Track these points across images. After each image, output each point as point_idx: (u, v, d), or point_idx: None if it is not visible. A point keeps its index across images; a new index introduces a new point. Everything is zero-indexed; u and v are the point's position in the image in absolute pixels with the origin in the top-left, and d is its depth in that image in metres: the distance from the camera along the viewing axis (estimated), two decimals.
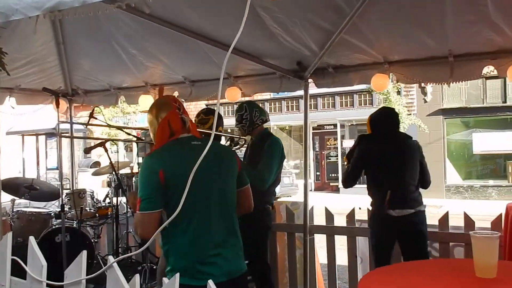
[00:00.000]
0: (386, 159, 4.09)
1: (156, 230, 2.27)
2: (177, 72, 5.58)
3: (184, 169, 2.20)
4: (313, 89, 5.18)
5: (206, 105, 22.65)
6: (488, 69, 4.21)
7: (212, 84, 5.56)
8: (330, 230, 4.89)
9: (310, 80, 4.97)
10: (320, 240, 5.21)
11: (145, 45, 5.06)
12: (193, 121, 2.68)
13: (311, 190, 20.39)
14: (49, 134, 21.27)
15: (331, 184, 21.52)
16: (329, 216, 4.93)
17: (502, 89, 17.36)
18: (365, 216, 4.85)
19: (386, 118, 4.29)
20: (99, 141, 4.61)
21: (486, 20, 3.56)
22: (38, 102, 6.54)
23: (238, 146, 4.51)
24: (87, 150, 4.39)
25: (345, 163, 4.42)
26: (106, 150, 4.73)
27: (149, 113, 2.61)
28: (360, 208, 15.49)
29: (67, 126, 6.76)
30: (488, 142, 17.60)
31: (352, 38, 4.17)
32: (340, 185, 20.66)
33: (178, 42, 4.83)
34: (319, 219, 5.10)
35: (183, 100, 6.22)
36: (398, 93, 18.22)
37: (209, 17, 4.31)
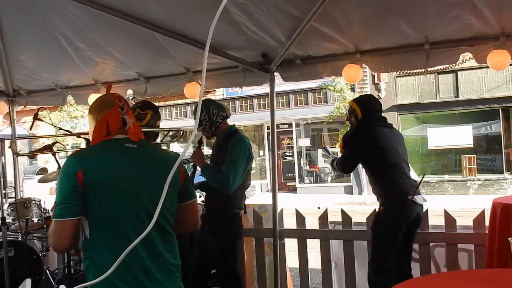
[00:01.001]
0: (394, 144, 3.99)
1: (71, 241, 2.05)
2: (130, 68, 5.14)
3: (108, 173, 2.08)
4: (265, 88, 4.85)
5: (163, 106, 22.29)
6: (463, 58, 4.01)
7: (169, 80, 5.15)
8: (302, 234, 4.58)
9: (276, 74, 4.64)
10: (289, 242, 4.89)
11: (94, 37, 4.61)
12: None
13: (267, 191, 20.17)
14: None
15: (288, 184, 21.34)
16: (300, 218, 4.62)
17: (454, 84, 17.64)
18: (336, 218, 4.58)
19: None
20: (46, 144, 4.13)
21: (467, 2, 3.33)
22: None
23: (175, 139, 4.23)
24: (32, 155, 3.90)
25: (340, 148, 4.20)
26: (54, 155, 4.24)
27: (89, 112, 2.33)
28: (319, 208, 15.35)
29: (10, 131, 6.24)
30: (442, 137, 17.85)
31: (322, 26, 3.87)
32: (298, 184, 20.57)
33: (130, 34, 4.42)
34: (289, 225, 4.78)
35: (134, 98, 5.77)
36: (352, 89, 18.22)
37: (165, 4, 3.93)
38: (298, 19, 3.81)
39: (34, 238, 5.32)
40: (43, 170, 16.34)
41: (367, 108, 4.01)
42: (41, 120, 4.92)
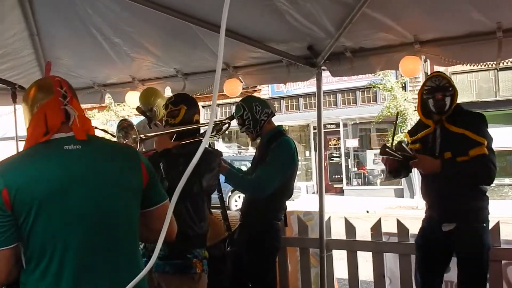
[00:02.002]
0: None
1: (5, 275, 1.65)
2: (167, 64, 4.86)
3: (41, 188, 1.64)
4: (311, 87, 4.39)
5: (203, 106, 22.15)
6: None
7: (209, 76, 4.83)
8: (352, 245, 4.15)
9: (323, 68, 4.22)
10: (338, 252, 4.45)
11: (129, 31, 4.35)
12: (87, 116, 1.90)
13: (313, 193, 19.69)
14: None
15: (335, 186, 20.76)
16: (349, 228, 4.19)
17: None
18: (387, 223, 4.12)
19: None
20: None
21: None
22: (13, 102, 5.80)
23: (220, 133, 3.76)
24: None
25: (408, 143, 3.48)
26: None
27: (23, 101, 1.84)
28: (368, 212, 14.80)
29: None
30: (502, 138, 16.81)
31: (376, 13, 3.43)
32: (345, 186, 19.98)
33: (167, 27, 4.13)
34: (337, 230, 4.35)
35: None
36: (403, 87, 17.45)
37: None
38: (348, 5, 3.39)
39: None
40: None
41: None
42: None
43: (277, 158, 3.42)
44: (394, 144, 3.49)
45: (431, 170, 3.15)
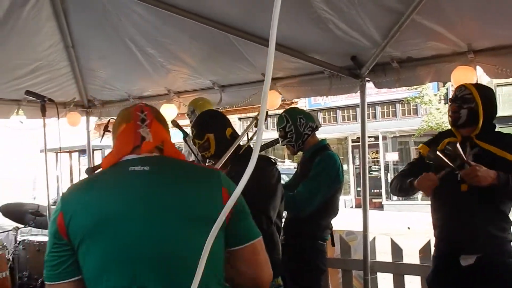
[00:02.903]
0: None
1: None
2: (204, 76, 4.72)
3: (96, 214, 1.44)
4: (350, 99, 4.13)
5: (239, 118, 22.03)
6: None
7: (246, 88, 4.67)
8: (399, 269, 3.86)
9: (367, 79, 3.99)
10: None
11: (164, 42, 4.24)
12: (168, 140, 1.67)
13: (351, 207, 19.26)
14: (82, 151, 21.07)
15: (374, 200, 20.22)
16: (396, 250, 3.91)
17: None
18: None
19: None
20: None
21: None
22: (49, 115, 5.78)
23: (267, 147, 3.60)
24: (90, 171, 3.51)
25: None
26: None
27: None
28: (409, 228, 14.25)
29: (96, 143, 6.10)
30: None
31: (426, 20, 3.18)
32: (385, 201, 19.47)
33: (203, 38, 4.02)
34: (379, 247, 4.05)
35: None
36: (444, 100, 16.90)
37: (240, 3, 3.44)
38: (397, 12, 3.15)
39: None
40: None
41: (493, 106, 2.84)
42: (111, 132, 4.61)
43: (320, 173, 3.23)
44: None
45: (488, 180, 2.51)
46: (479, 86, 2.82)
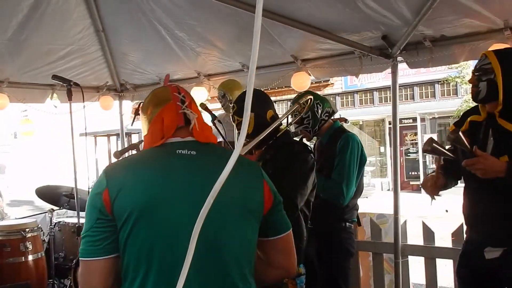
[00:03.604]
0: None
1: (100, 286, 1.46)
2: (233, 58, 4.69)
3: (145, 193, 1.45)
4: (387, 80, 4.00)
5: (274, 101, 21.93)
6: None
7: (276, 70, 4.62)
8: (431, 252, 3.78)
9: (399, 59, 3.87)
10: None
11: (193, 25, 4.23)
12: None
13: (388, 190, 19.02)
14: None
15: (411, 183, 19.91)
16: (428, 233, 3.82)
17: None
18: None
19: None
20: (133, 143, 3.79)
21: None
22: (82, 100, 5.89)
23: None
24: (117, 154, 3.56)
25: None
26: None
27: (141, 111, 1.72)
28: (447, 211, 13.94)
29: (134, 126, 6.20)
30: None
31: None
32: None
33: (231, 19, 3.98)
34: (414, 231, 3.97)
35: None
36: None
37: None
38: None
39: None
40: None
41: None
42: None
43: (349, 157, 3.20)
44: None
45: (493, 174, 2.24)
46: (502, 53, 2.46)
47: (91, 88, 5.59)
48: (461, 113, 2.81)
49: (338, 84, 20.94)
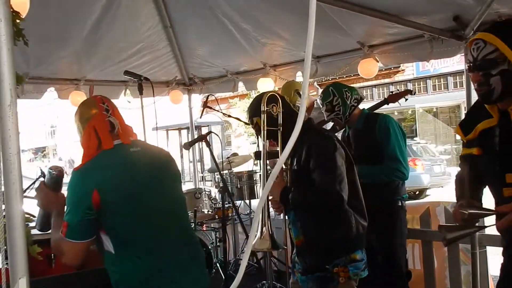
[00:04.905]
0: None
1: (83, 260, 1.98)
2: (298, 48, 4.66)
3: (127, 187, 1.98)
4: (462, 64, 3.81)
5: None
6: None
7: (342, 58, 4.54)
8: None
9: None
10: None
11: (257, 16, 4.25)
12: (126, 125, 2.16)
13: None
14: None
15: None
16: None
17: None
18: None
19: None
20: (201, 134, 3.88)
21: None
22: (152, 94, 6.07)
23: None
24: (186, 146, 3.65)
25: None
26: (208, 145, 3.95)
27: (75, 119, 2.16)
28: None
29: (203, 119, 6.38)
30: None
31: None
32: None
33: (295, 9, 3.94)
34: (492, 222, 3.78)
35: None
36: None
37: None
38: None
39: (209, 229, 5.26)
40: (234, 155, 17.05)
41: None
42: (210, 108, 4.75)
43: (395, 137, 3.24)
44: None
45: None
46: (502, 30, 1.86)
47: (161, 83, 5.75)
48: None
49: (410, 70, 20.31)
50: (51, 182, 2.18)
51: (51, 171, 2.19)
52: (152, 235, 2.00)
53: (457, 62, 16.74)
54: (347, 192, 2.38)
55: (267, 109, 2.53)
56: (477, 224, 1.95)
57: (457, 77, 19.34)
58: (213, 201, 4.95)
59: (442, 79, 20.31)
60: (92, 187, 1.88)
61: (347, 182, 2.39)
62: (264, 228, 2.36)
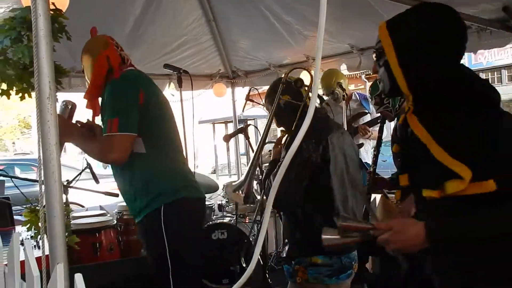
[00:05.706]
0: None
1: (128, 153, 2.16)
2: (341, 40, 4.59)
3: (159, 92, 2.41)
4: None
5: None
6: None
7: None
8: None
9: None
10: None
11: (300, 8, 4.22)
12: None
13: None
14: (238, 121, 22.09)
15: None
16: None
17: None
18: None
19: None
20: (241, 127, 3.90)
21: None
22: (197, 87, 6.13)
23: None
24: (226, 138, 3.68)
25: None
26: (247, 138, 3.95)
27: (85, 53, 2.43)
28: None
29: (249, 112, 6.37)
30: None
31: None
32: None
33: (337, 1, 3.86)
34: None
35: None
36: None
37: None
38: None
39: (252, 221, 5.29)
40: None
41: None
42: (252, 101, 4.75)
43: None
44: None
45: (412, 247, 1.42)
46: (395, 20, 1.62)
47: (205, 76, 5.80)
48: None
49: (461, 62, 19.71)
50: (65, 112, 2.39)
51: (65, 102, 2.42)
52: (176, 143, 2.40)
53: None
54: (300, 197, 2.24)
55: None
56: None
57: None
58: (255, 193, 4.98)
59: (496, 72, 19.61)
60: (139, 88, 2.22)
61: (318, 185, 2.24)
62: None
